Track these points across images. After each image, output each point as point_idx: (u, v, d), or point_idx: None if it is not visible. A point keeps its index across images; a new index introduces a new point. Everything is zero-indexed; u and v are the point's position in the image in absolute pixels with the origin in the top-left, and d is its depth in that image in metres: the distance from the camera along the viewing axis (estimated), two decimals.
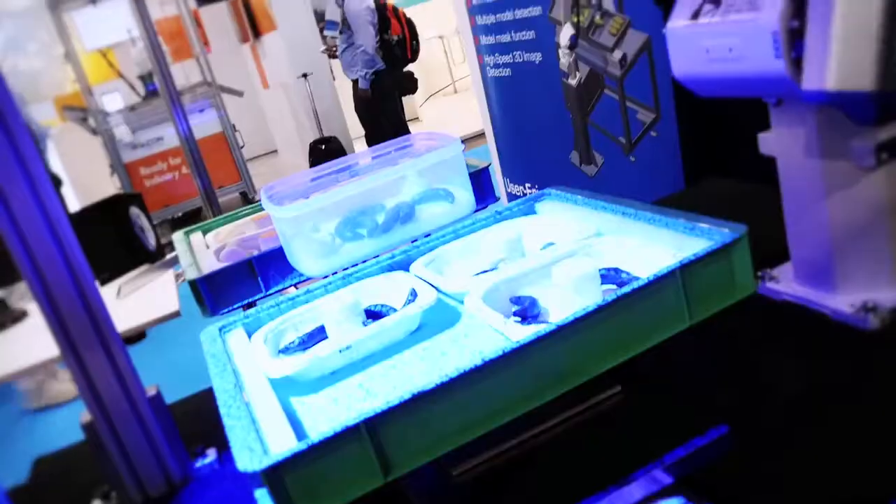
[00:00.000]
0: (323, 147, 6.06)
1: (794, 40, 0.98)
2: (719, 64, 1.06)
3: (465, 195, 1.06)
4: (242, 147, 6.68)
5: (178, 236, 1.41)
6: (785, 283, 1.24)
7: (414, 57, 5.28)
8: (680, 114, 1.83)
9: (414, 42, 5.24)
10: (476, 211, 1.13)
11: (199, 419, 1.19)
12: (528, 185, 2.49)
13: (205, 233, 1.44)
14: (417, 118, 8.45)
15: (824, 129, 1.08)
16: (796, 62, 0.98)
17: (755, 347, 1.01)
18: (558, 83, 2.15)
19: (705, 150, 1.82)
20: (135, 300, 2.15)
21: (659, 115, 1.86)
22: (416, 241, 1.03)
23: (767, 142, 1.19)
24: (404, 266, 0.99)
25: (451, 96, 9.09)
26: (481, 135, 6.05)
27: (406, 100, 6.19)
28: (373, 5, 4.96)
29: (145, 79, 6.40)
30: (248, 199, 6.83)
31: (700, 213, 1.56)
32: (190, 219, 6.88)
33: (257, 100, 8.28)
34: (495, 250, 0.94)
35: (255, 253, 1.20)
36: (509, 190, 2.61)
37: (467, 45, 2.63)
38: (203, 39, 7.27)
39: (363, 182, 0.99)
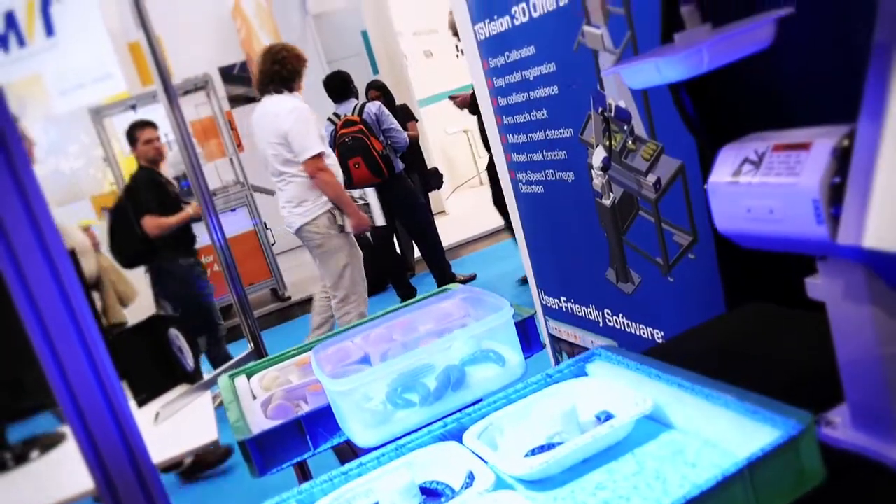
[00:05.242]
0: None
1: (834, 200, 0.98)
2: (760, 223, 1.07)
3: (515, 357, 1.06)
4: (273, 244, 6.78)
5: (223, 382, 1.41)
6: (842, 429, 1.21)
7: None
8: (718, 237, 1.83)
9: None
10: (525, 358, 1.13)
11: None
12: (563, 298, 2.49)
13: (249, 376, 1.44)
14: (444, 211, 8.56)
15: (872, 278, 1.07)
16: (835, 219, 0.98)
17: None
18: (592, 202, 2.17)
19: (746, 273, 1.81)
20: (172, 425, 2.15)
21: (696, 238, 1.86)
22: (467, 407, 1.03)
23: (815, 288, 1.18)
24: (457, 435, 0.98)
25: (477, 188, 9.23)
26: (509, 226, 6.05)
27: (432, 193, 6.30)
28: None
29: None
30: (277, 295, 6.89)
31: (745, 340, 1.53)
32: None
33: None
34: (550, 422, 0.93)
35: (304, 408, 1.20)
36: (544, 302, 2.61)
37: (499, 160, 2.68)
38: (236, 140, 7.49)
39: (414, 353, 1.00)
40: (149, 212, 4.12)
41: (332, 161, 3.93)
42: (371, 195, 4.36)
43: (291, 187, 3.93)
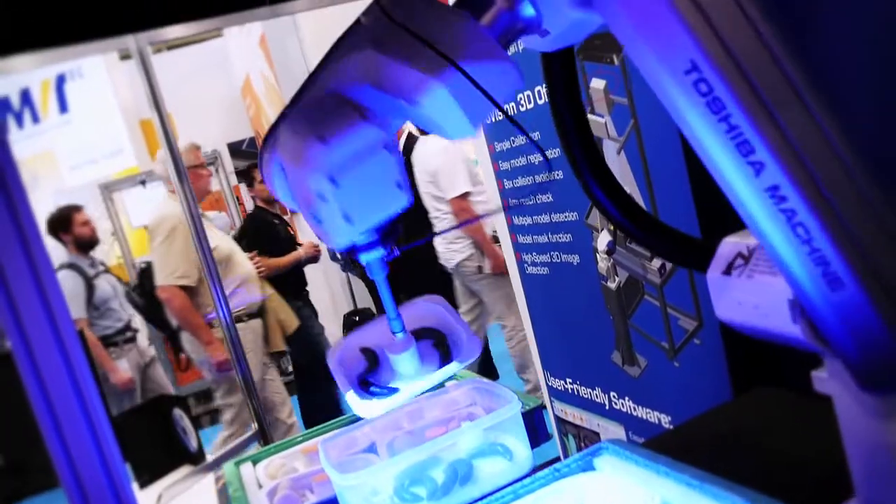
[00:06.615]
0: (357, 318, 6.15)
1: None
2: (750, 317, 1.08)
3: (522, 451, 1.06)
4: None
5: (229, 469, 1.41)
6: None
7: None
8: (723, 323, 1.84)
9: None
10: (532, 449, 1.13)
11: None
12: (569, 380, 2.49)
13: (255, 463, 1.44)
14: None
15: None
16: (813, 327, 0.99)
17: None
18: (597, 285, 2.19)
19: (752, 358, 1.81)
20: None
21: (701, 324, 1.87)
22: (475, 501, 1.02)
23: (822, 382, 1.18)
24: None
25: None
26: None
27: None
28: None
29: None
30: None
31: (752, 429, 1.52)
32: None
33: None
34: None
35: (310, 498, 1.20)
36: (550, 383, 2.60)
37: (504, 240, 2.72)
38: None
39: (421, 448, 1.00)
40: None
41: (482, 198, 3.98)
42: None
43: (444, 224, 4.00)
